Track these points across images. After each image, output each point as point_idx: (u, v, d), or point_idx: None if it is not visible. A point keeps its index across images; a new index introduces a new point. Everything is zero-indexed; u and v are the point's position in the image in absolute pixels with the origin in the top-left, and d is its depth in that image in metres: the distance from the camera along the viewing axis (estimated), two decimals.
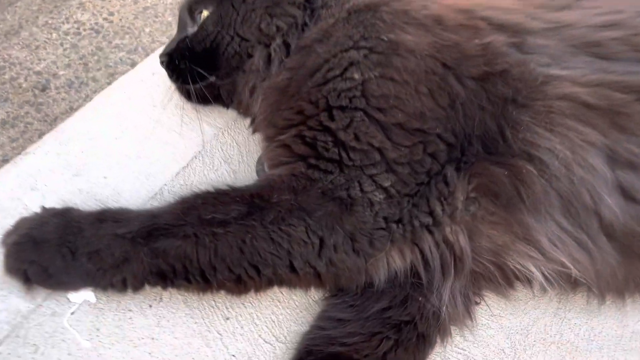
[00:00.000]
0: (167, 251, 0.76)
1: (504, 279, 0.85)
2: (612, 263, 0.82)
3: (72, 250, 0.77)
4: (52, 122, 1.61)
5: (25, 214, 0.87)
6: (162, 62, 0.99)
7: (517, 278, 0.85)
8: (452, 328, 0.87)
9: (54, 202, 0.90)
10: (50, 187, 0.92)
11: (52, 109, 1.65)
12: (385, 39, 0.83)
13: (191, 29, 0.98)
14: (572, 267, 0.81)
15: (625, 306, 0.93)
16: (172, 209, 0.81)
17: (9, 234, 0.81)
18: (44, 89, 1.71)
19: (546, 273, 0.83)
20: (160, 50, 1.02)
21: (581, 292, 0.92)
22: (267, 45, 0.92)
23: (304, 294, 0.88)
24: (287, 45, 0.91)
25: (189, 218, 0.78)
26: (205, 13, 0.96)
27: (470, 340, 0.89)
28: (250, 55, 0.93)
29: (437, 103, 0.80)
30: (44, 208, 0.84)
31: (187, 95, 1.00)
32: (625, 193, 0.77)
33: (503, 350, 0.89)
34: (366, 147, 0.79)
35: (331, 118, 0.81)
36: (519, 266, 0.82)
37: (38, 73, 1.75)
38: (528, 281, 0.85)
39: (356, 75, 0.81)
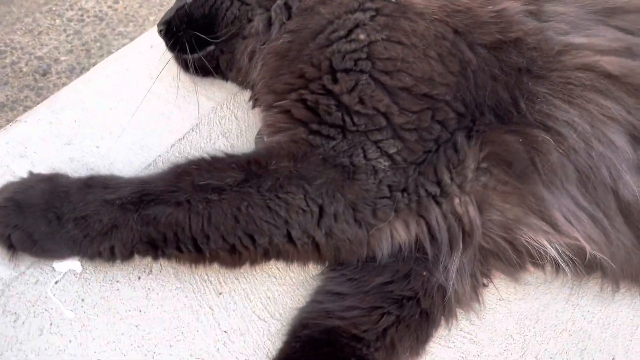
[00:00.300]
0: (158, 218, 0.72)
1: (516, 256, 0.81)
2: (628, 246, 0.78)
3: (59, 215, 0.73)
4: None
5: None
6: (160, 31, 0.97)
7: (530, 255, 0.80)
8: (458, 310, 0.83)
9: (44, 170, 0.86)
10: (40, 155, 0.89)
11: (52, 93, 1.62)
12: (393, 0, 0.79)
13: None
14: (586, 245, 0.77)
15: None
16: (165, 175, 0.77)
17: None
18: (44, 74, 1.70)
19: (560, 250, 0.78)
20: None
21: (595, 279, 0.87)
22: (268, 9, 0.89)
23: (301, 269, 0.84)
24: (288, 7, 0.88)
25: (182, 184, 0.74)
26: None
27: (476, 324, 0.84)
28: (250, 20, 0.90)
29: (447, 69, 0.77)
30: (31, 173, 0.81)
31: (185, 65, 0.96)
32: None
33: (511, 335, 0.84)
34: (371, 111, 0.75)
35: (335, 81, 0.77)
36: (531, 241, 0.78)
37: (39, 58, 1.73)
38: (540, 259, 0.80)
39: (362, 37, 0.78)
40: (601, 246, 0.77)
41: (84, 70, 1.72)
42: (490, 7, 0.80)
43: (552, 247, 0.78)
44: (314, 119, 0.77)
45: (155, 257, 0.76)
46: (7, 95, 1.61)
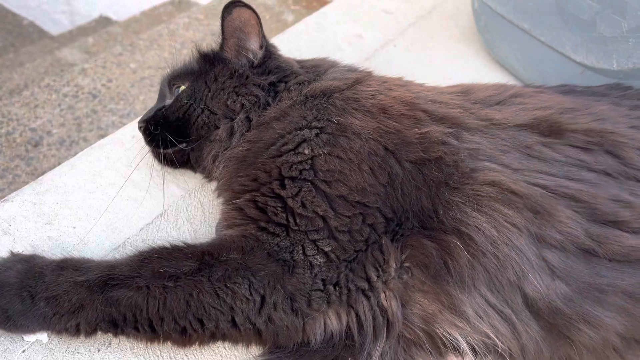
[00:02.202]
0: (120, 300, 0.82)
1: (434, 347, 0.91)
2: (537, 339, 0.87)
3: (32, 294, 0.82)
4: (40, 176, 1.70)
5: None
6: (140, 127, 1.10)
7: (445, 346, 0.90)
8: None
9: (24, 247, 0.97)
10: (22, 232, 1.00)
11: (42, 164, 1.74)
12: (335, 121, 0.93)
13: (169, 100, 1.10)
14: (496, 338, 0.87)
15: None
16: (129, 261, 0.87)
17: None
18: (36, 145, 1.80)
19: (472, 343, 0.88)
20: None
21: None
22: (232, 119, 1.04)
23: (245, 350, 0.92)
24: (249, 120, 1.02)
25: (143, 271, 0.84)
26: (182, 87, 1.08)
27: None
28: (216, 127, 1.04)
29: (378, 180, 0.90)
30: (11, 253, 0.90)
31: (159, 158, 1.10)
32: (552, 272, 0.84)
33: None
34: (311, 214, 0.87)
35: (282, 187, 0.90)
36: (447, 334, 0.88)
37: (33, 130, 1.84)
38: (456, 350, 0.90)
39: (307, 151, 0.91)
40: (510, 340, 0.86)
41: (73, 143, 1.82)
42: (416, 129, 0.93)
43: (464, 340, 0.87)
44: (263, 217, 0.89)
45: (115, 335, 0.85)
46: None
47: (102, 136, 1.84)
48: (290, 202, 0.88)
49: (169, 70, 1.15)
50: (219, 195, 1.08)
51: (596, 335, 0.84)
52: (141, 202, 1.09)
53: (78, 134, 1.81)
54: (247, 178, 0.94)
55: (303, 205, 0.88)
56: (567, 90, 1.18)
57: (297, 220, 0.87)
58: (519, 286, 0.85)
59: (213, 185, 1.12)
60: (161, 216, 1.08)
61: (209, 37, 2.30)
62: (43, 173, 1.71)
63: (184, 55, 2.32)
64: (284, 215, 0.88)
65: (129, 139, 1.20)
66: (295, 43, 1.53)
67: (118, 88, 1.99)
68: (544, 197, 0.86)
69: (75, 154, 1.77)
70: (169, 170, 1.13)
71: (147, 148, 1.11)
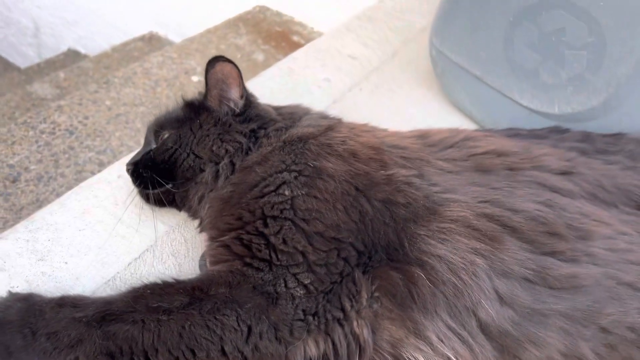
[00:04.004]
0: (117, 334, 0.87)
1: None
2: (491, 359, 0.95)
3: (33, 330, 0.87)
4: (18, 211, 1.74)
5: None
6: (127, 170, 1.18)
7: None
8: None
9: (19, 282, 1.03)
10: (17, 269, 1.06)
11: (20, 200, 1.78)
12: (312, 165, 1.04)
13: (154, 145, 1.19)
14: None
15: None
16: (124, 297, 0.93)
17: None
18: (14, 181, 1.84)
19: None
20: (127, 154, 1.20)
21: None
22: (217, 163, 1.13)
23: None
24: (233, 164, 1.12)
25: (138, 306, 0.90)
26: (166, 135, 1.18)
27: None
28: (202, 170, 1.14)
29: (350, 218, 0.99)
30: (10, 292, 0.96)
31: (147, 198, 1.18)
32: (501, 299, 0.93)
33: None
34: (292, 250, 0.96)
35: (265, 225, 0.98)
36: (412, 358, 0.96)
37: (11, 166, 1.88)
38: None
39: (287, 192, 1.00)
40: None
41: (51, 179, 1.86)
42: (382, 171, 1.04)
43: None
44: (248, 253, 0.97)
45: None
46: None
47: (79, 172, 1.90)
48: (272, 239, 0.97)
49: (152, 118, 1.24)
50: (202, 231, 1.17)
51: (541, 354, 0.92)
52: (129, 239, 1.16)
53: (56, 170, 1.86)
54: (232, 217, 1.03)
55: (284, 242, 0.97)
56: (512, 134, 1.33)
57: (279, 256, 0.96)
58: (473, 312, 0.93)
59: (195, 221, 1.21)
60: (147, 251, 1.15)
61: (182, 75, 2.39)
62: (21, 208, 1.76)
63: (157, 93, 2.40)
64: (267, 251, 0.97)
65: (115, 178, 1.27)
66: (268, 86, 1.64)
67: (94, 125, 2.05)
68: (495, 229, 0.98)
69: (54, 189, 1.83)
70: (155, 208, 1.21)
71: (133, 188, 1.19)
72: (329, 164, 1.04)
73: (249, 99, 1.22)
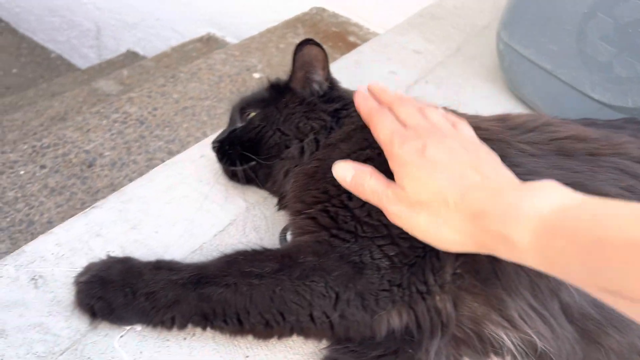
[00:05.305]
0: (211, 296, 0.92)
1: (481, 345, 1.01)
2: (571, 340, 0.95)
3: (134, 290, 0.93)
4: (94, 194, 1.83)
5: (91, 255, 1.05)
6: (213, 147, 1.23)
7: (492, 345, 1.00)
8: None
9: (114, 247, 1.09)
10: (112, 235, 1.12)
11: (95, 183, 1.87)
12: None
13: (240, 124, 1.23)
14: (536, 339, 0.96)
15: None
16: (217, 262, 0.98)
17: (80, 275, 0.98)
18: (90, 166, 1.94)
19: (515, 342, 0.97)
20: (194, 144, 1.30)
21: None
22: (302, 140, 1.17)
23: (313, 344, 1.03)
24: (317, 141, 1.16)
25: (231, 270, 0.95)
26: (252, 114, 1.22)
27: None
28: (287, 147, 1.17)
29: None
30: (108, 255, 1.02)
31: (231, 175, 1.23)
32: None
33: None
34: (376, 222, 0.98)
35: (350, 198, 1.02)
36: (493, 334, 0.97)
37: (87, 152, 1.98)
38: (500, 349, 1.00)
39: None
40: (549, 340, 0.95)
41: (123, 165, 1.95)
42: None
43: (509, 339, 0.96)
44: (334, 225, 1.00)
45: (205, 328, 0.95)
46: (57, 182, 1.84)
47: (150, 159, 1.98)
48: (357, 212, 1.00)
49: (237, 98, 1.29)
50: (281, 209, 1.20)
51: (623, 339, 0.93)
52: (214, 213, 1.21)
53: (128, 157, 1.95)
54: (318, 191, 1.06)
55: (369, 215, 0.99)
56: (589, 122, 1.32)
57: (364, 228, 0.99)
58: (556, 293, 0.94)
59: (273, 200, 1.25)
60: (231, 224, 1.20)
61: (244, 72, 2.46)
62: (97, 191, 1.84)
63: (221, 88, 2.47)
64: (352, 223, 1.00)
65: (198, 158, 1.33)
66: (337, 77, 1.68)
67: (163, 116, 2.13)
68: None
69: (126, 175, 1.91)
70: (237, 185, 1.25)
71: (218, 166, 1.24)
72: None
73: (332, 82, 1.25)
